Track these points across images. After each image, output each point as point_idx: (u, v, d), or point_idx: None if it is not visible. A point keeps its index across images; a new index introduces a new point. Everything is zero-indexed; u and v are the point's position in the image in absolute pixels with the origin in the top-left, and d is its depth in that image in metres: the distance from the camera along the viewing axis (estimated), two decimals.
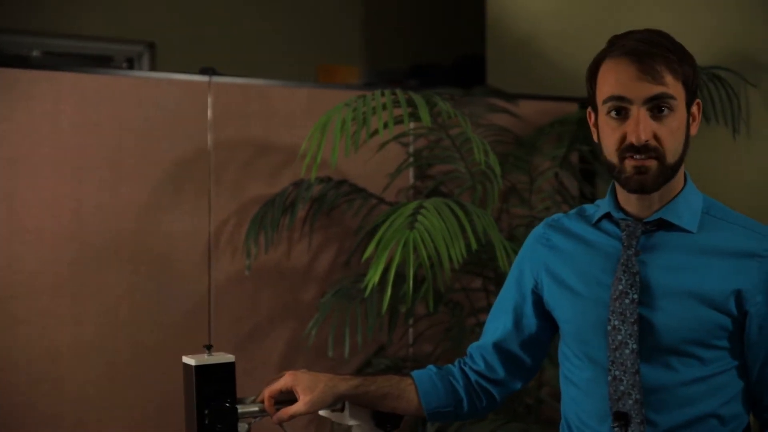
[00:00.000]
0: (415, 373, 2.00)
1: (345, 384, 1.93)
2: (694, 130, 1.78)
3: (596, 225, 1.88)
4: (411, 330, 3.56)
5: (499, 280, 3.22)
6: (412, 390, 1.97)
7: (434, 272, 2.63)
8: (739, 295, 1.74)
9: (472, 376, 2.02)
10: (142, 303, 3.20)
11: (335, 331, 3.32)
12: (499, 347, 2.01)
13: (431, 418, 1.99)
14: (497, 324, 2.02)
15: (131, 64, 5.68)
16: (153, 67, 5.58)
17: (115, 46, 5.67)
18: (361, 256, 3.45)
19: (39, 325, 3.05)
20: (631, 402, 1.76)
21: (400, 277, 2.88)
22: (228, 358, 1.86)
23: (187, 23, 5.79)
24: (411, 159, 3.51)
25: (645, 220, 1.79)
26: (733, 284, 1.73)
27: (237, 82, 3.36)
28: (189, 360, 1.87)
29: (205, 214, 3.29)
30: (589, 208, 1.94)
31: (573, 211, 1.97)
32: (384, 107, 2.76)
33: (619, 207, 1.84)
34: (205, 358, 1.86)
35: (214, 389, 1.86)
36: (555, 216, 1.99)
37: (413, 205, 2.76)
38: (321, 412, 2.02)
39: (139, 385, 3.19)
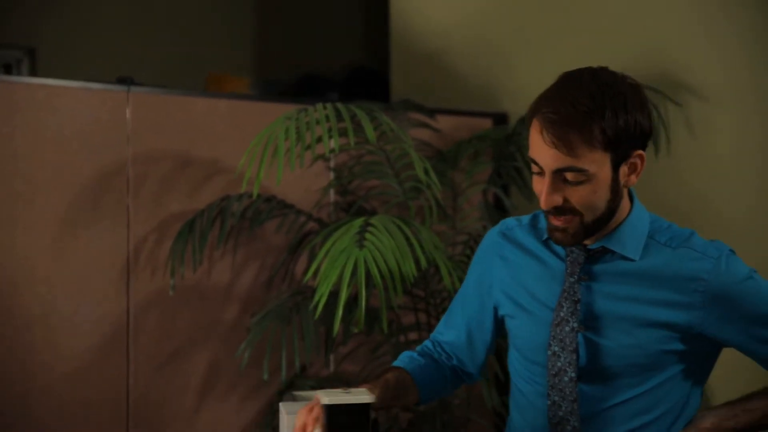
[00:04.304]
0: (409, 368, 1.98)
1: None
2: (633, 180, 1.76)
3: (546, 242, 1.88)
4: (332, 351, 3.47)
5: (429, 298, 3.18)
6: (413, 385, 1.96)
7: (387, 292, 2.56)
8: (686, 320, 1.74)
9: (450, 371, 2.05)
10: (58, 325, 3.00)
11: (261, 351, 3.21)
12: (467, 344, 2.03)
13: (421, 403, 2.01)
14: (460, 320, 2.04)
15: (9, 70, 5.38)
16: (33, 74, 5.30)
17: None
18: (284, 275, 3.34)
19: None
20: (569, 428, 1.79)
21: (332, 295, 2.80)
22: (364, 398, 1.69)
23: (70, 28, 5.54)
24: (335, 175, 3.43)
25: (589, 247, 1.80)
26: (678, 309, 1.74)
27: (156, 93, 3.21)
28: (322, 397, 1.70)
29: (124, 230, 3.12)
30: (542, 218, 1.92)
31: (527, 220, 1.96)
32: (327, 120, 2.69)
33: None
34: (339, 397, 1.68)
35: (345, 430, 1.68)
36: (509, 224, 1.98)
37: (359, 222, 2.68)
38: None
39: (55, 413, 2.99)
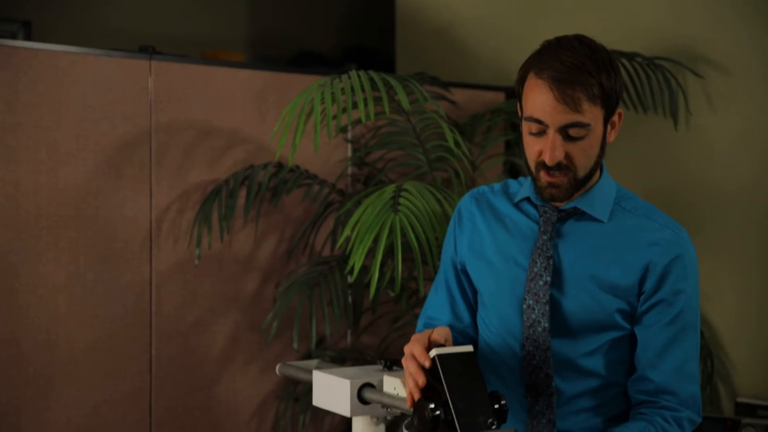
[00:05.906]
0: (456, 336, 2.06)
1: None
2: (612, 137, 1.89)
3: (518, 205, 1.99)
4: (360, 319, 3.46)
5: None
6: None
7: (424, 257, 2.56)
8: (636, 282, 1.87)
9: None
10: (82, 295, 2.98)
11: (283, 322, 3.21)
12: (466, 318, 2.10)
13: None
14: (455, 298, 2.09)
15: None
16: None
17: None
18: (305, 246, 3.34)
19: None
20: (542, 376, 1.90)
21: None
22: (467, 348, 1.69)
23: (64, 1, 5.47)
24: (355, 147, 3.42)
25: (561, 208, 1.92)
26: (636, 273, 1.86)
27: (178, 62, 3.18)
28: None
29: (146, 200, 3.10)
30: (512, 184, 2.05)
31: (498, 186, 2.06)
32: (363, 89, 2.67)
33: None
34: (443, 349, 1.68)
35: (461, 377, 1.67)
36: (480, 189, 2.08)
37: (392, 187, 2.69)
38: None
39: (78, 382, 2.97)
